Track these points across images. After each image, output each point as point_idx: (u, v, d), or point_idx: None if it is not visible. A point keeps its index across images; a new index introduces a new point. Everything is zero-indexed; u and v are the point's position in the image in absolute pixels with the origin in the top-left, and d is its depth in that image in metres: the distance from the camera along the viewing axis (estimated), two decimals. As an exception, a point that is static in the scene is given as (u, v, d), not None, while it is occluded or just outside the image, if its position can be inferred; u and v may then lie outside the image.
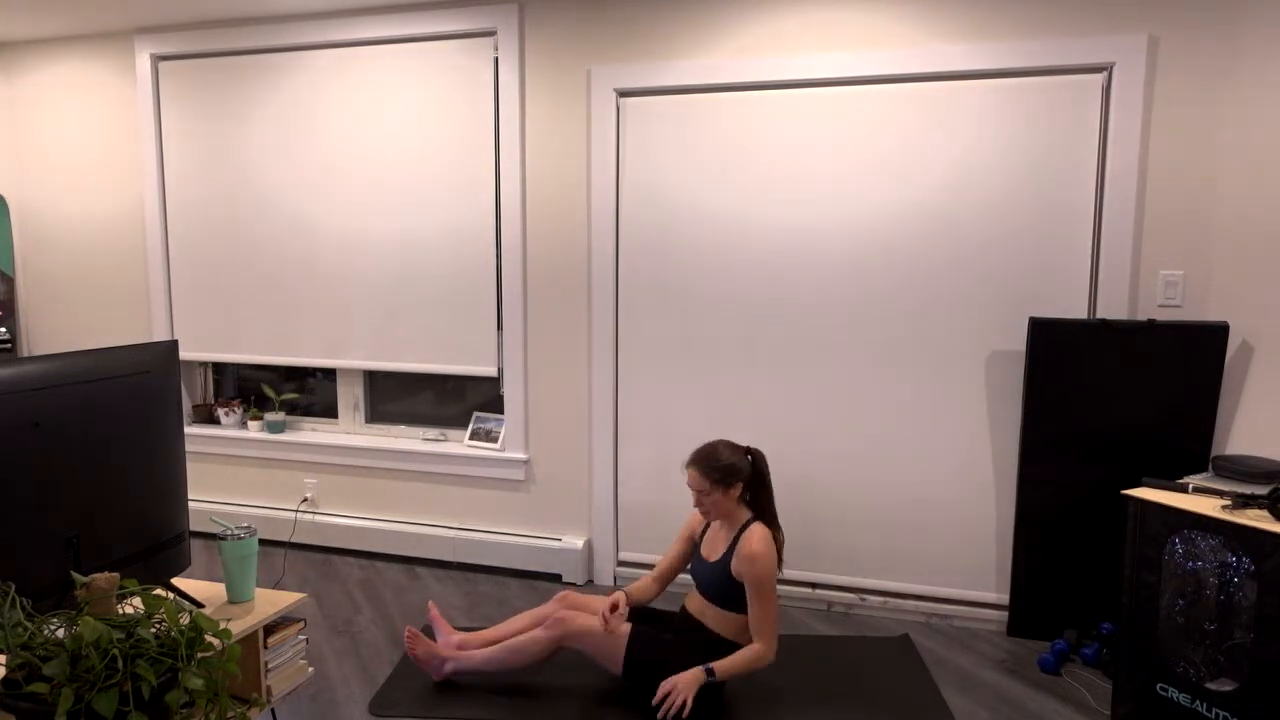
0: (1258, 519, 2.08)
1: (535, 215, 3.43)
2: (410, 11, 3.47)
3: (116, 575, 1.34)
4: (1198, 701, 2.18)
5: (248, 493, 4.01)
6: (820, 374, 3.20)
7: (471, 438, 3.69)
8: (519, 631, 2.58)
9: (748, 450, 2.43)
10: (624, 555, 3.51)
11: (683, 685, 2.25)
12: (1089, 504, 2.85)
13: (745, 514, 2.43)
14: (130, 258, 4.07)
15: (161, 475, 1.79)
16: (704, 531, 2.56)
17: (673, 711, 2.21)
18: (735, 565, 2.35)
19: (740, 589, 2.36)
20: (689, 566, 2.57)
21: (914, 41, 2.98)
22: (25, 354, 4.32)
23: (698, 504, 2.39)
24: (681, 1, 3.19)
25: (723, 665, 2.31)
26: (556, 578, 3.49)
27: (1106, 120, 2.85)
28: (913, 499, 3.16)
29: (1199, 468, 2.72)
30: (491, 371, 3.56)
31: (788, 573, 3.32)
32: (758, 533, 2.34)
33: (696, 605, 2.49)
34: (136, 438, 1.70)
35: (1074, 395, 2.83)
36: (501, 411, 3.68)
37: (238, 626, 1.73)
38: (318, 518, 3.84)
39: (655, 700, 2.26)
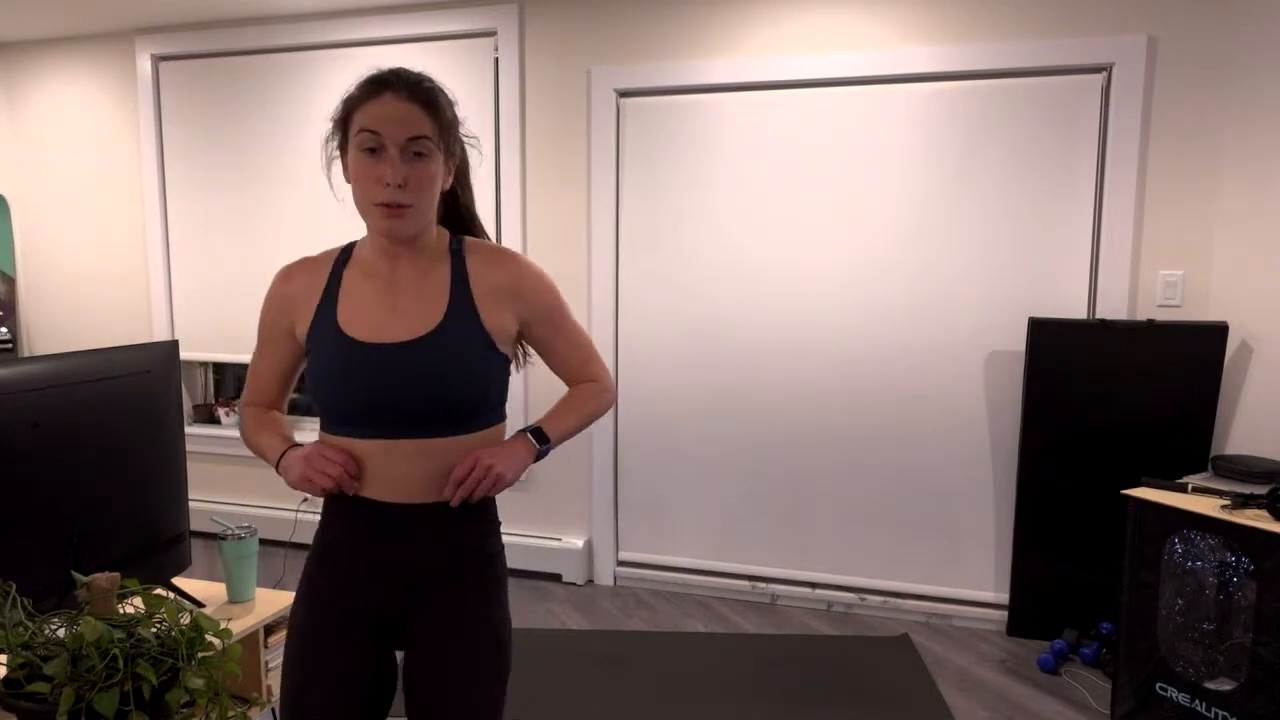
0: (1257, 519, 2.08)
1: (535, 216, 3.43)
2: (410, 11, 3.47)
3: (117, 575, 1.34)
4: (1197, 701, 2.18)
5: (248, 492, 4.01)
6: (820, 374, 3.20)
7: (471, 438, 3.69)
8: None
9: None
10: (624, 555, 3.51)
11: (504, 465, 1.22)
12: (1089, 504, 2.85)
13: (440, 230, 1.32)
14: (131, 257, 4.07)
15: (162, 475, 1.79)
16: (327, 299, 1.26)
17: (476, 494, 1.21)
18: (501, 308, 1.26)
19: (498, 364, 1.27)
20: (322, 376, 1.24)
21: (915, 42, 2.98)
22: (25, 354, 4.32)
23: (382, 179, 1.16)
24: (682, 1, 3.19)
25: (560, 422, 1.34)
26: (557, 577, 3.49)
27: (1106, 120, 2.85)
28: (912, 498, 3.16)
29: (1199, 468, 2.72)
30: (491, 371, 3.56)
31: (787, 572, 3.32)
32: (493, 246, 1.33)
33: (392, 471, 1.23)
34: (137, 438, 1.70)
35: (1074, 395, 2.83)
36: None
37: (238, 626, 1.73)
38: (318, 517, 3.83)
39: (456, 477, 1.21)
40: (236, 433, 3.96)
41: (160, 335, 4.08)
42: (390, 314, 1.23)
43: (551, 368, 1.40)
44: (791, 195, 3.15)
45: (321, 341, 1.24)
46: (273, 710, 1.93)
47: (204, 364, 4.22)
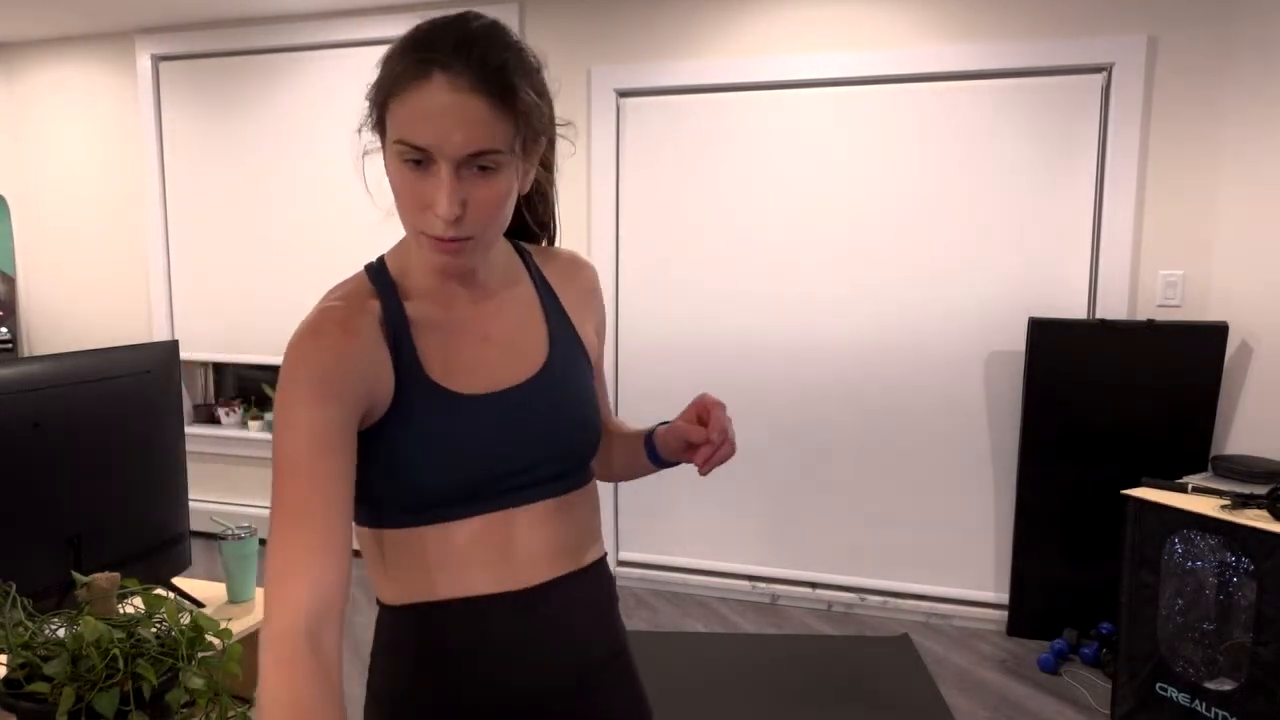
0: (1257, 519, 2.08)
1: (535, 215, 3.43)
2: (410, 12, 3.47)
3: (117, 575, 1.34)
4: (1197, 700, 2.18)
5: (248, 492, 4.01)
6: (819, 374, 3.20)
7: (471, 438, 3.69)
8: None
9: None
10: (624, 555, 3.51)
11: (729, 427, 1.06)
12: (1089, 504, 2.85)
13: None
14: (131, 257, 4.07)
15: (162, 475, 1.79)
16: (401, 347, 0.85)
17: (721, 454, 1.07)
18: (585, 320, 1.01)
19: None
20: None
21: (914, 41, 2.98)
22: (25, 354, 4.32)
23: (431, 206, 0.78)
24: (681, 1, 3.19)
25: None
26: (556, 577, 3.49)
27: (1106, 120, 2.85)
28: (912, 498, 3.16)
29: (1199, 468, 2.72)
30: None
31: (787, 572, 3.32)
32: (550, 248, 1.04)
33: (529, 546, 0.92)
34: (137, 438, 1.70)
35: (1073, 395, 2.83)
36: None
37: (238, 626, 1.73)
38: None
39: (720, 428, 1.07)
40: (236, 432, 3.96)
41: (160, 336, 4.08)
42: (483, 350, 0.89)
43: None
44: (791, 194, 3.15)
45: (413, 406, 0.84)
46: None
47: (204, 364, 4.22)
